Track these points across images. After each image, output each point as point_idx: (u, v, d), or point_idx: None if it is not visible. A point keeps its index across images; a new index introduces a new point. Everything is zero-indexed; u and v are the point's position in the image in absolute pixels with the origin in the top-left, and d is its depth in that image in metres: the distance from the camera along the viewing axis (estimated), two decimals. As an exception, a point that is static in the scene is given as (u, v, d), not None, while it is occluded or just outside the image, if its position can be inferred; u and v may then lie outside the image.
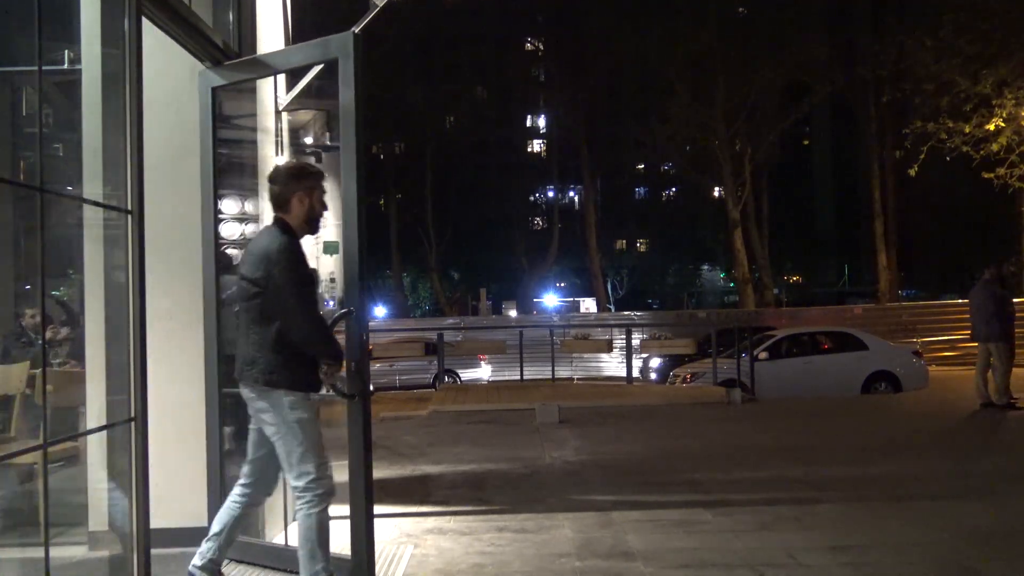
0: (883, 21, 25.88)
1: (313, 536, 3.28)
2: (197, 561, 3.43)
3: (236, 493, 3.49)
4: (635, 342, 16.55)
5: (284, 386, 3.27)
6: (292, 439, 3.28)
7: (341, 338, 3.56)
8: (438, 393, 13.09)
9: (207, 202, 4.21)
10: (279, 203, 3.43)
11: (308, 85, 4.74)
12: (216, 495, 4.01)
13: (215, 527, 3.46)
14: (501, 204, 42.66)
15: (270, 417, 3.30)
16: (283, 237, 3.33)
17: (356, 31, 3.68)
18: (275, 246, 3.29)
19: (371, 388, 3.62)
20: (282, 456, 3.32)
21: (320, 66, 4.36)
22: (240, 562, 4.03)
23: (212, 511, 4.07)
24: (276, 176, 3.50)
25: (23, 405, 4.59)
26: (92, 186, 3.40)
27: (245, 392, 3.39)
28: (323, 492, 3.28)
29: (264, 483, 3.52)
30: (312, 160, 11.04)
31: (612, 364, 19.94)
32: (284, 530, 4.28)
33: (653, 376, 16.41)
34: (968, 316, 10.22)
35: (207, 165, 4.18)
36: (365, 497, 3.61)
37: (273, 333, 3.27)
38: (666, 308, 42.29)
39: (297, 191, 3.40)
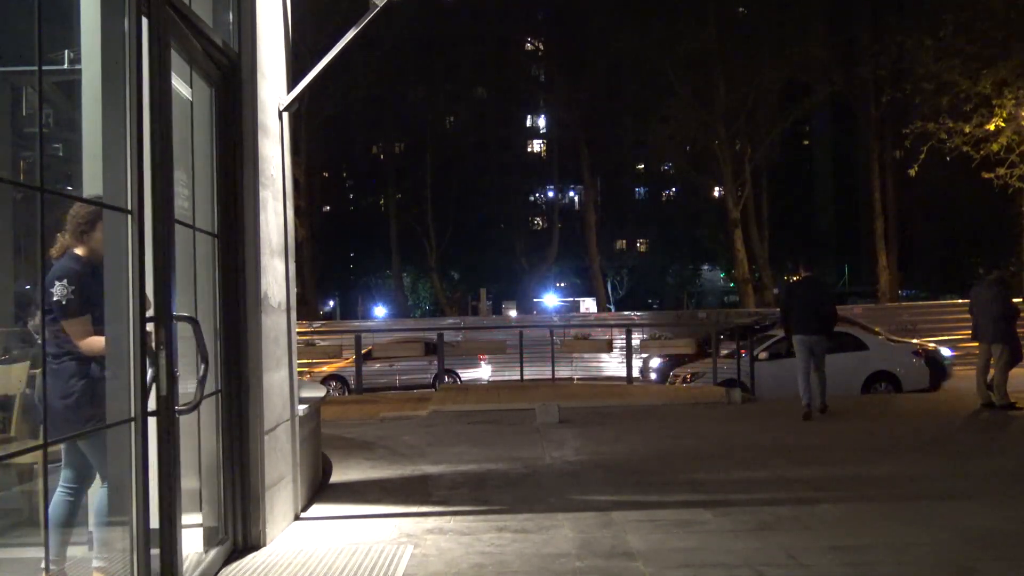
0: (883, 21, 25.84)
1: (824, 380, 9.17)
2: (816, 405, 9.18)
3: (805, 372, 9.22)
4: (635, 342, 16.55)
5: (822, 334, 9.16)
6: (824, 350, 9.21)
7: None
8: (438, 393, 13.08)
9: (209, 201, 4.20)
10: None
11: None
12: (227, 490, 4.02)
13: (809, 392, 9.21)
14: (501, 204, 42.68)
15: (819, 344, 9.13)
16: (819, 279, 9.66)
17: None
18: (825, 286, 9.51)
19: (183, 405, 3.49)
20: (818, 354, 9.11)
21: (323, 64, 4.33)
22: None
23: (222, 508, 4.08)
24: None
25: (23, 405, 4.58)
26: (92, 186, 3.40)
27: (810, 337, 9.12)
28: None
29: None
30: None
31: (612, 364, 19.92)
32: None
33: (653, 376, 16.39)
34: (969, 316, 10.20)
35: (212, 165, 4.18)
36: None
37: (820, 311, 9.26)
38: (666, 308, 42.33)
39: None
